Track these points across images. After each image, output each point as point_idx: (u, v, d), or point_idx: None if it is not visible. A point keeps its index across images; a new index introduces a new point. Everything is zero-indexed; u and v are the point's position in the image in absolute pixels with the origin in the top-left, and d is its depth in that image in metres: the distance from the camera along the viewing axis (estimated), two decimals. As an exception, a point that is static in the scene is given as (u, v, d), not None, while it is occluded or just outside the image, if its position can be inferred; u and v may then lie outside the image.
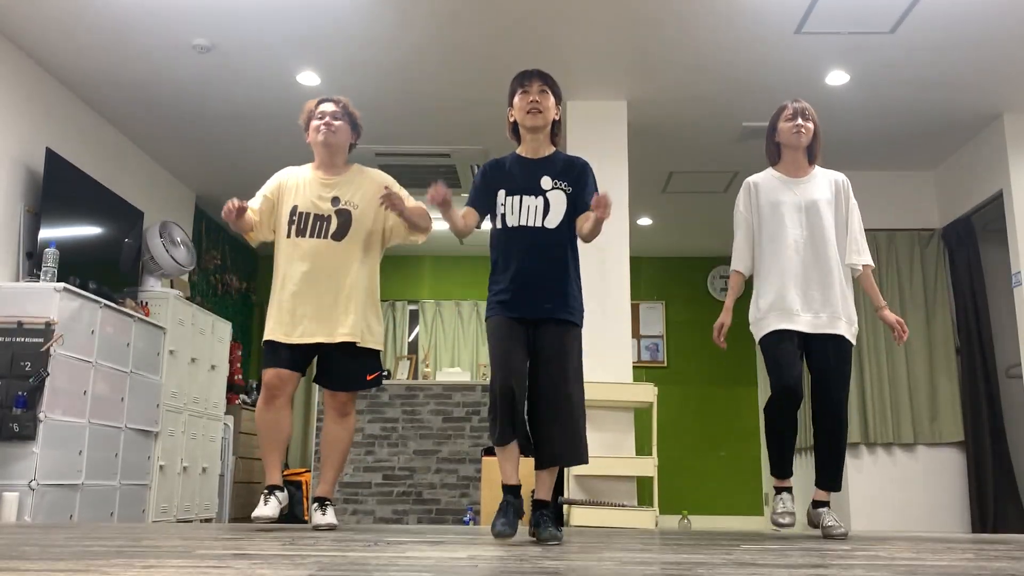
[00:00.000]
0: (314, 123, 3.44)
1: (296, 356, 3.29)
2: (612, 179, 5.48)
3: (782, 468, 3.38)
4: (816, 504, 3.34)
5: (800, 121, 3.39)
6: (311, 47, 4.96)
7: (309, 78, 5.28)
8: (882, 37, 4.77)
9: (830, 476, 3.32)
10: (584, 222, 2.82)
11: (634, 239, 5.65)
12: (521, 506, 2.75)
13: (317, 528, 3.23)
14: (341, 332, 3.27)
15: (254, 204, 3.42)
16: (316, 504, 3.34)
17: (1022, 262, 5.58)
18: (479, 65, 5.14)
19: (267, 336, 3.31)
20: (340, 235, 3.33)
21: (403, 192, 3.39)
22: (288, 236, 3.35)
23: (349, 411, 3.39)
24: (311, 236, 3.32)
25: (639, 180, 6.10)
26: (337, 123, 3.42)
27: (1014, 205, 5.64)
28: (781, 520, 3.27)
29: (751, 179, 3.49)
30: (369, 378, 3.38)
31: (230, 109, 5.70)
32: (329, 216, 3.34)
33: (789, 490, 3.37)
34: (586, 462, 2.78)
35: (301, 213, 3.34)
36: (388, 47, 4.96)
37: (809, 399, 3.39)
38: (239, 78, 5.29)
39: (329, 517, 3.30)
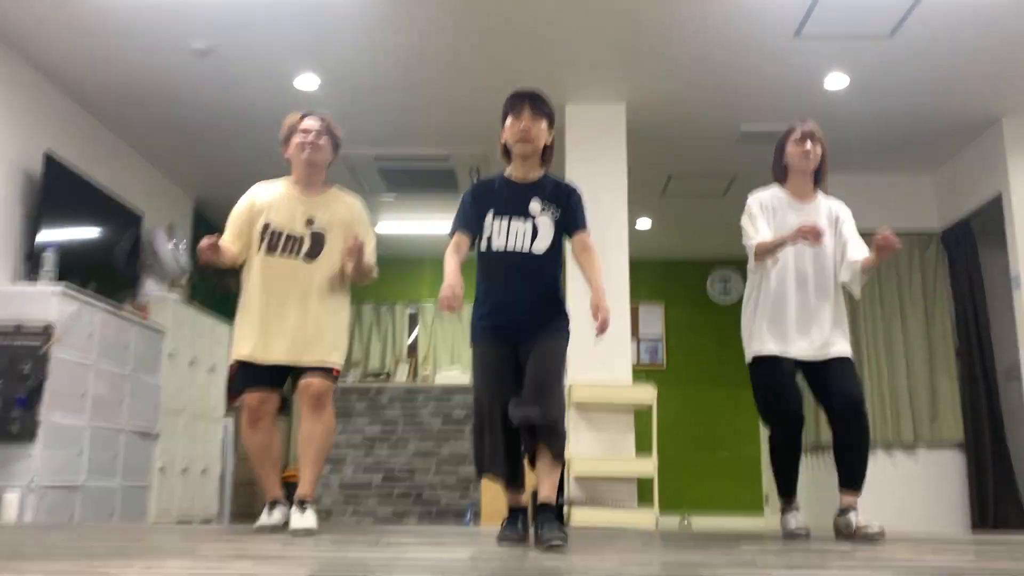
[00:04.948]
0: (297, 139, 3.38)
1: (269, 373, 3.26)
2: (611, 182, 5.48)
3: (789, 490, 3.37)
4: (843, 511, 3.20)
5: (809, 146, 3.37)
6: (310, 50, 4.96)
7: (308, 81, 5.28)
8: (881, 40, 4.78)
9: (856, 475, 3.21)
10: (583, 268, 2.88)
11: (633, 241, 5.65)
12: (527, 523, 2.73)
13: (295, 533, 3.07)
14: (311, 357, 3.24)
15: (226, 237, 3.34)
16: (296, 505, 3.20)
17: (1021, 264, 5.58)
18: (478, 68, 5.14)
19: (237, 355, 3.27)
20: (312, 256, 3.30)
21: (371, 244, 3.36)
22: (259, 253, 3.31)
23: (325, 404, 3.24)
24: (283, 255, 3.28)
25: (638, 183, 6.10)
26: (321, 141, 3.38)
27: (1013, 208, 5.64)
28: (798, 532, 3.23)
29: (759, 195, 3.45)
30: (335, 373, 3.32)
31: (229, 112, 5.70)
32: (302, 237, 3.30)
33: (797, 507, 3.36)
34: (563, 447, 2.72)
35: (274, 231, 3.30)
36: (387, 50, 4.97)
37: (813, 405, 3.39)
38: (238, 81, 5.30)
39: (308, 520, 3.13)
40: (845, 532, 3.15)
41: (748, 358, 3.37)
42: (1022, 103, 5.52)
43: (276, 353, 3.23)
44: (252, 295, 3.30)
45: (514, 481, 2.77)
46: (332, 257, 3.34)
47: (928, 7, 4.45)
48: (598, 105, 5.60)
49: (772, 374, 3.29)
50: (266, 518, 3.20)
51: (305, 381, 3.24)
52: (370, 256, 3.35)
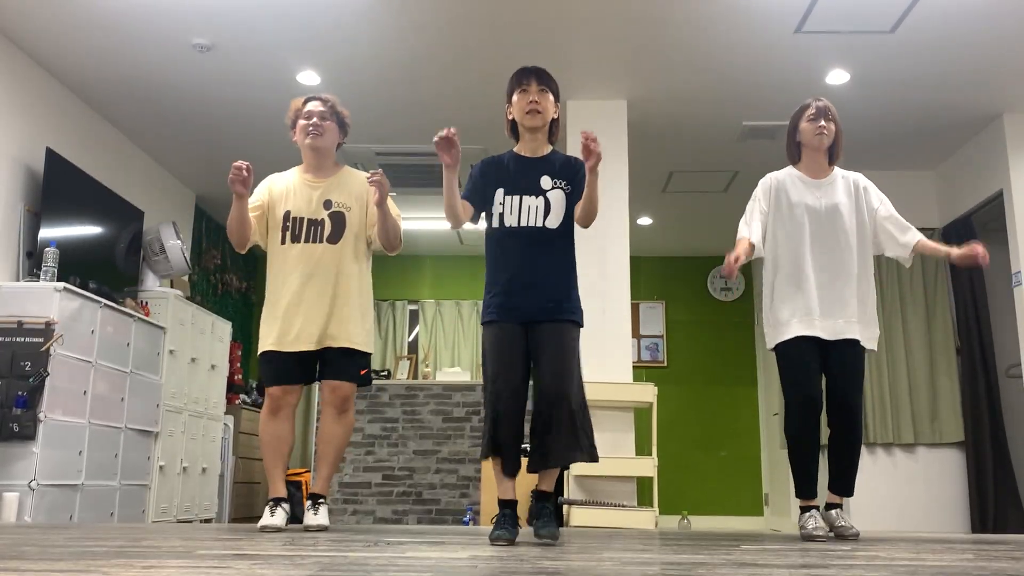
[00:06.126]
0: (301, 123, 3.39)
1: (296, 366, 3.27)
2: (612, 179, 5.47)
3: (808, 488, 3.24)
4: (828, 506, 3.30)
5: (823, 122, 3.34)
6: (311, 47, 4.96)
7: (309, 77, 5.28)
8: (882, 36, 4.77)
9: (844, 481, 3.27)
10: (580, 204, 2.77)
11: (634, 239, 5.65)
12: (517, 520, 2.72)
13: (308, 529, 3.22)
14: (339, 337, 3.25)
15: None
16: (310, 502, 3.32)
17: (1022, 262, 5.57)
18: (479, 65, 5.14)
19: (264, 347, 3.28)
20: (335, 238, 3.31)
21: (392, 203, 3.36)
22: (283, 243, 3.31)
23: (348, 407, 3.35)
24: (306, 241, 3.29)
25: (639, 180, 6.09)
26: (324, 124, 3.38)
27: (1014, 205, 5.64)
28: (815, 533, 3.09)
29: (773, 176, 3.41)
30: (361, 373, 3.36)
31: (230, 109, 5.70)
32: (323, 220, 3.31)
33: (817, 508, 3.24)
34: (594, 459, 2.71)
35: (295, 218, 3.31)
36: (388, 46, 4.96)
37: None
38: (239, 78, 5.29)
39: (321, 518, 3.27)
40: (827, 524, 3.26)
41: (770, 345, 3.29)
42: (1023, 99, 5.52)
43: (300, 342, 3.23)
44: (277, 285, 3.31)
45: (513, 470, 2.72)
46: (354, 236, 3.34)
47: (929, 3, 4.45)
48: (599, 101, 5.60)
49: (795, 353, 3.20)
50: (268, 518, 3.18)
51: (332, 384, 3.30)
52: (394, 208, 3.34)
